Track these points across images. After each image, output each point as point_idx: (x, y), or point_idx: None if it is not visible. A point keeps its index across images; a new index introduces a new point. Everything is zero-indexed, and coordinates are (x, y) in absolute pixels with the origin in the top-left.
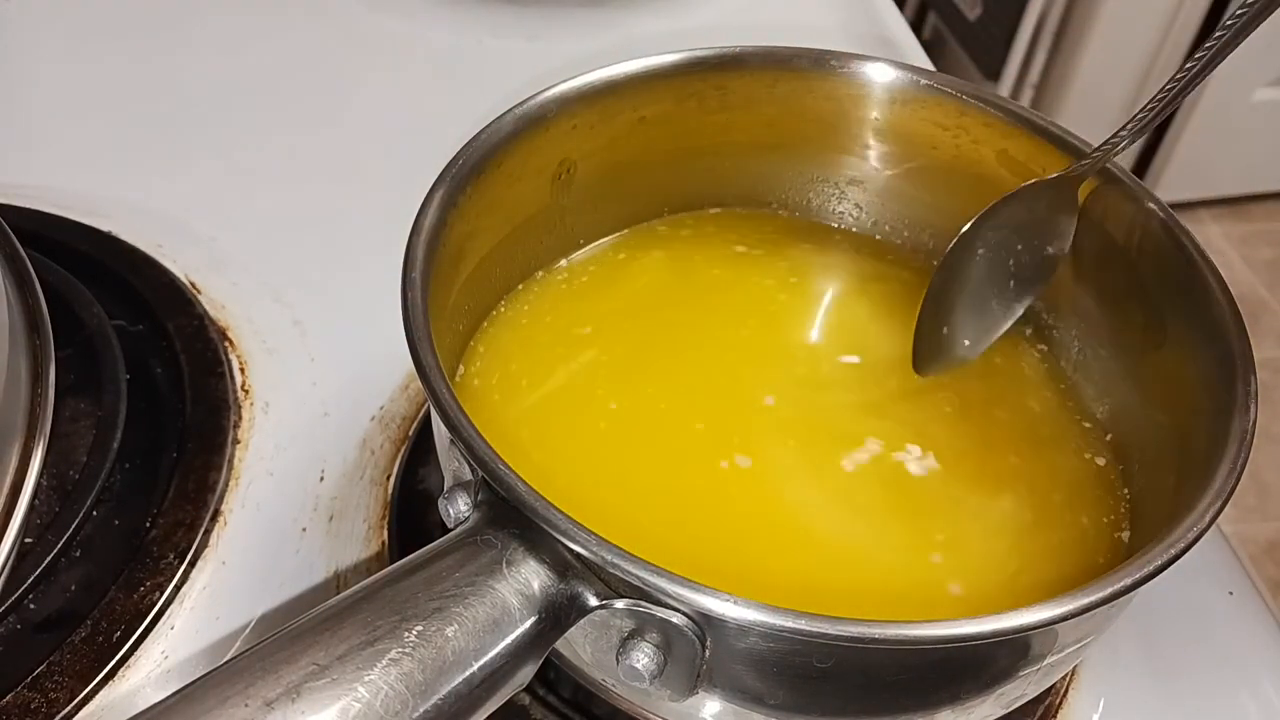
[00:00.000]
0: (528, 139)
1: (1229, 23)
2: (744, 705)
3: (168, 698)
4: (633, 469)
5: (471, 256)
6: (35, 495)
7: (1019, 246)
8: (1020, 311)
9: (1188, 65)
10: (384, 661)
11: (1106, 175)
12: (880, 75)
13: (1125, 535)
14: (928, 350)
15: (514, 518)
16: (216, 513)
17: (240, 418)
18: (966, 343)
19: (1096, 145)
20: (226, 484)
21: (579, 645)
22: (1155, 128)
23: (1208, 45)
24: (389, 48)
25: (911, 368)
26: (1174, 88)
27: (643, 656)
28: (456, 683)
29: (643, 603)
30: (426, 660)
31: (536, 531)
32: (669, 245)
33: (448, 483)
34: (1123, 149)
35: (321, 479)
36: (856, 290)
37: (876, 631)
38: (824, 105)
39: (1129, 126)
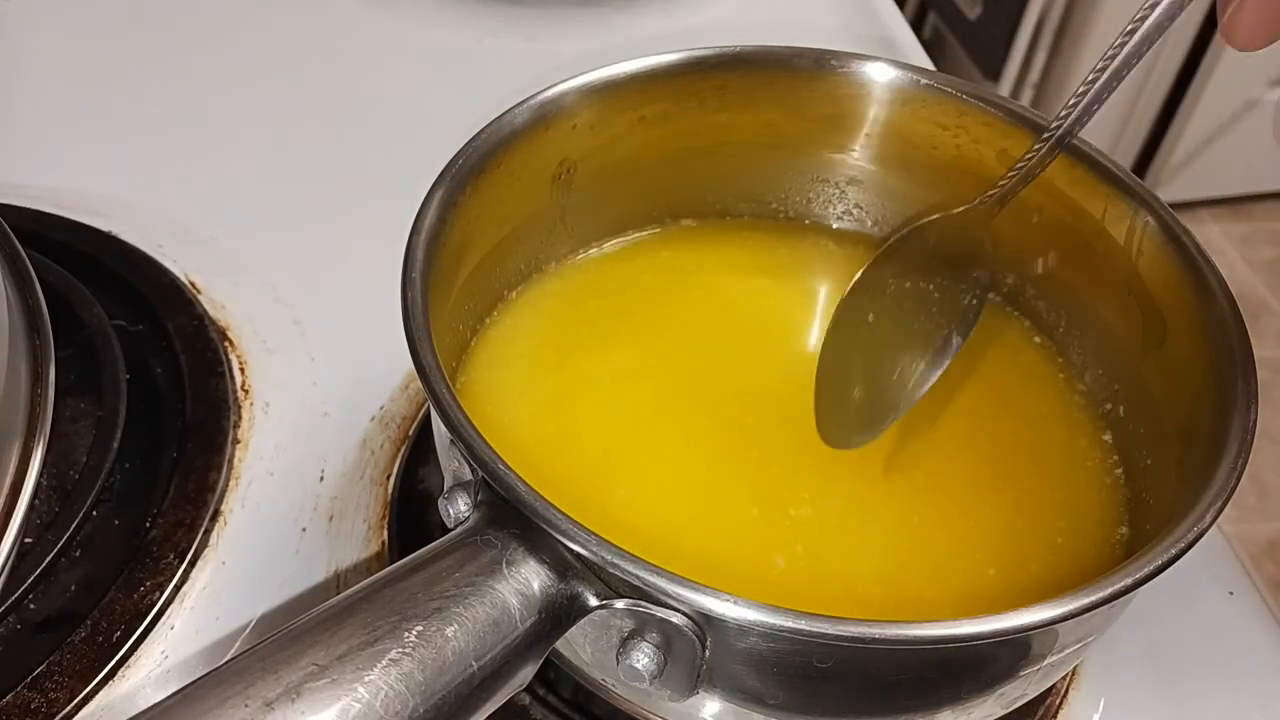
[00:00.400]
0: (528, 139)
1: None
2: (744, 705)
3: (168, 698)
4: (633, 469)
5: (472, 256)
6: (35, 495)
7: (929, 287)
8: (951, 354)
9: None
10: (384, 662)
11: (1107, 174)
12: (880, 75)
13: (1125, 535)
14: (837, 419)
15: (514, 518)
16: (216, 513)
17: (240, 418)
18: (884, 403)
19: (985, 190)
20: (226, 484)
21: (579, 645)
22: (1152, 127)
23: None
24: (389, 48)
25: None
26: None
27: (643, 656)
28: (456, 683)
29: (642, 603)
30: (426, 660)
31: (536, 531)
32: (672, 250)
33: (448, 483)
34: (1012, 186)
35: (321, 479)
36: None
37: (876, 631)
38: (824, 105)
39: (1026, 158)
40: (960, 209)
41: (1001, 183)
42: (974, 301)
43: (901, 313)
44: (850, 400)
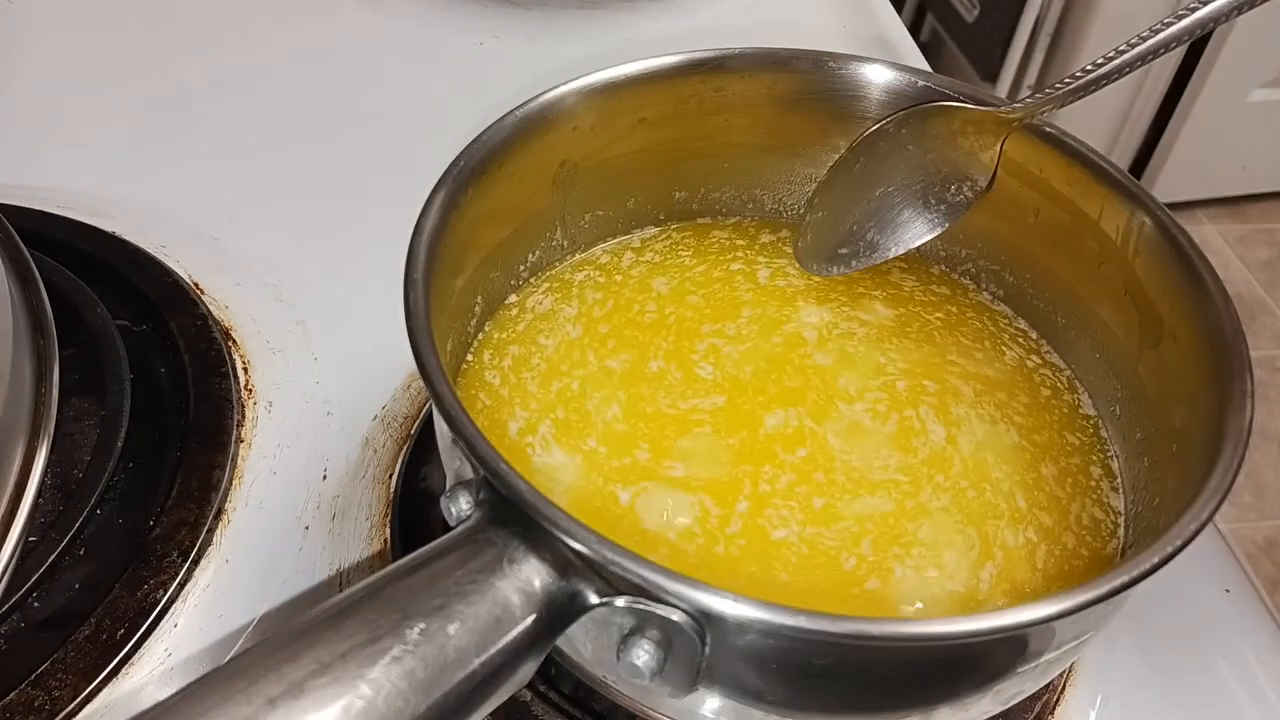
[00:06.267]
0: (528, 140)
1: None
2: (744, 702)
3: (171, 696)
4: (633, 467)
5: (473, 257)
6: (39, 494)
7: (938, 167)
8: (933, 233)
9: (1142, 34)
10: (386, 659)
11: (1104, 174)
12: (878, 77)
13: (1122, 533)
14: (816, 246)
15: (515, 516)
16: (220, 511)
17: (243, 417)
18: (873, 240)
19: (1025, 96)
20: (230, 482)
21: (580, 642)
22: (1149, 127)
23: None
24: (390, 49)
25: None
26: (1126, 51)
27: (643, 654)
28: (458, 680)
29: (643, 600)
30: (428, 658)
31: (537, 530)
32: (671, 251)
33: (450, 481)
34: (1055, 104)
35: (324, 477)
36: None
37: (875, 629)
38: (822, 106)
39: (1067, 82)
40: (986, 109)
41: (1030, 99)
42: (964, 200)
43: (904, 174)
44: (835, 233)
